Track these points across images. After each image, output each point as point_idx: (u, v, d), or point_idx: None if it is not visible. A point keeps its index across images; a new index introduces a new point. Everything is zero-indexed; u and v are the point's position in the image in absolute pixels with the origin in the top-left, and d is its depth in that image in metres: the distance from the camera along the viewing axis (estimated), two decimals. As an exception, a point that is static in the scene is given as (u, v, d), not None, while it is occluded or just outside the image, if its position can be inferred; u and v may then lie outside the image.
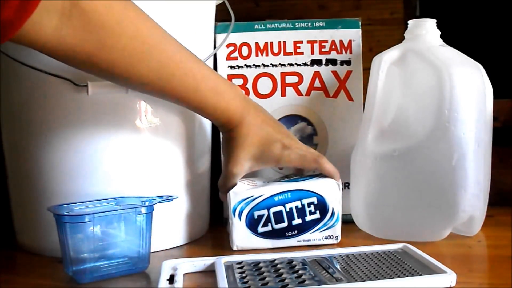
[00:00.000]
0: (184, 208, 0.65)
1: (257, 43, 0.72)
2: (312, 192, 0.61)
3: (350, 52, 0.72)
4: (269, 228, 0.61)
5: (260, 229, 0.61)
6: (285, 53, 0.72)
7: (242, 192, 0.60)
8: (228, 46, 0.71)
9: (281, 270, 0.50)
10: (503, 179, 0.79)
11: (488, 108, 0.62)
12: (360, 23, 0.72)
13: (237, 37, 0.72)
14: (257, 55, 0.72)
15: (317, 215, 0.61)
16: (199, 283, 0.51)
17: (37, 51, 0.48)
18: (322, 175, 0.63)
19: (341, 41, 0.72)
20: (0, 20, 0.41)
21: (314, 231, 0.61)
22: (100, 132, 0.59)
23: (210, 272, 0.52)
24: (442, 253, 0.58)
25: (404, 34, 0.67)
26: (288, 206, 0.61)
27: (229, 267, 0.51)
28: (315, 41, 0.72)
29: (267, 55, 0.72)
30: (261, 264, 0.52)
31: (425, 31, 0.64)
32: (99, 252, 0.53)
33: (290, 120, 0.72)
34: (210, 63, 0.68)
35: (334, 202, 0.61)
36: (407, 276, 0.47)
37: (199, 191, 0.67)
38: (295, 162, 0.62)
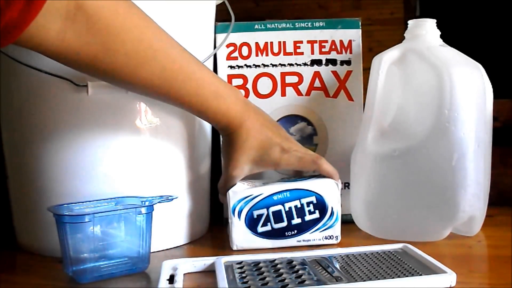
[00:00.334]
0: (184, 208, 0.65)
1: (257, 43, 0.72)
2: (311, 191, 0.61)
3: (350, 52, 0.72)
4: (268, 227, 0.61)
5: (260, 229, 0.61)
6: (285, 53, 0.72)
7: (241, 191, 0.60)
8: (228, 46, 0.71)
9: (281, 270, 0.50)
10: (503, 179, 0.79)
11: (488, 108, 0.62)
12: (360, 23, 0.72)
13: (237, 37, 0.72)
14: (257, 55, 0.72)
15: (317, 215, 0.61)
16: (199, 283, 0.51)
17: (40, 53, 0.48)
18: (321, 175, 0.63)
19: (341, 41, 0.72)
20: (3, 22, 0.41)
21: (314, 231, 0.61)
22: (100, 132, 0.59)
23: (210, 272, 0.52)
24: (442, 253, 0.58)
25: (404, 34, 0.67)
26: (287, 205, 0.61)
27: (229, 267, 0.51)
28: (315, 41, 0.72)
29: (267, 55, 0.72)
30: (261, 264, 0.52)
31: (425, 31, 0.64)
32: (99, 252, 0.53)
33: (290, 120, 0.72)
34: (210, 63, 0.68)
35: (333, 201, 0.61)
36: (407, 276, 0.47)
37: (199, 191, 0.67)
38: (294, 165, 0.62)
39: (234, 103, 0.60)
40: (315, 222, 0.61)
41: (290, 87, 0.72)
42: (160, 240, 0.61)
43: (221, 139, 0.64)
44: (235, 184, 0.62)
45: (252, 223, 0.60)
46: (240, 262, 0.52)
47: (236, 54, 0.72)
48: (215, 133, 0.72)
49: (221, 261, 0.52)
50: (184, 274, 0.51)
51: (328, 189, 0.61)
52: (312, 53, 0.72)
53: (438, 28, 0.65)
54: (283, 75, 0.72)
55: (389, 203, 0.63)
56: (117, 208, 0.56)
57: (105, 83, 0.57)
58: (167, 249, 0.63)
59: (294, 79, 0.72)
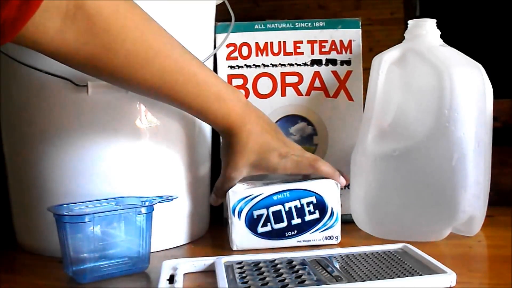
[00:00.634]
0: (184, 208, 0.65)
1: (257, 43, 0.72)
2: (311, 191, 0.61)
3: (350, 52, 0.72)
4: (268, 228, 0.61)
5: (260, 229, 0.61)
6: (285, 53, 0.72)
7: (241, 191, 0.60)
8: (228, 46, 0.71)
9: (281, 270, 0.50)
10: (503, 179, 0.79)
11: (488, 108, 0.62)
12: (360, 23, 0.72)
13: (237, 37, 0.72)
14: (257, 55, 0.72)
15: (317, 215, 0.61)
16: (199, 283, 0.51)
17: (39, 52, 0.48)
18: (321, 176, 0.63)
19: (341, 41, 0.72)
20: (1, 19, 0.41)
21: (314, 231, 0.61)
22: (100, 132, 0.59)
23: (210, 272, 0.52)
24: (442, 253, 0.58)
25: (404, 34, 0.67)
26: (287, 205, 0.61)
27: (229, 267, 0.51)
28: (315, 41, 0.72)
29: (267, 55, 0.72)
30: (261, 264, 0.52)
31: (425, 31, 0.64)
32: (99, 252, 0.53)
33: (290, 120, 0.72)
34: (210, 63, 0.68)
35: (333, 202, 0.61)
36: (407, 276, 0.47)
37: (199, 191, 0.67)
38: (291, 170, 0.62)
39: (236, 105, 0.60)
40: (315, 222, 0.61)
41: (290, 87, 0.72)
42: (160, 240, 0.61)
43: (221, 140, 0.64)
44: (233, 185, 0.62)
45: (252, 223, 0.60)
46: (240, 262, 0.52)
47: (236, 54, 0.72)
48: (215, 133, 0.72)
49: (221, 261, 0.52)
50: (184, 274, 0.51)
51: (328, 189, 0.61)
52: (312, 53, 0.72)
53: (438, 28, 0.65)
54: (283, 75, 0.72)
55: (389, 203, 0.63)
56: (117, 208, 0.56)
57: (105, 83, 0.57)
58: (167, 249, 0.63)
59: (294, 79, 0.72)
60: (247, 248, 0.60)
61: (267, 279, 0.48)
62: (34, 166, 0.61)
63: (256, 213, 0.60)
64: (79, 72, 0.53)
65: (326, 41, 0.72)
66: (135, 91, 0.56)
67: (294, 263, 0.52)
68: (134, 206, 0.55)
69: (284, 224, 0.61)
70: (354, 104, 0.72)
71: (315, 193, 0.61)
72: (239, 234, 0.60)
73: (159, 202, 0.56)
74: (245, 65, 0.72)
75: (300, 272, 0.49)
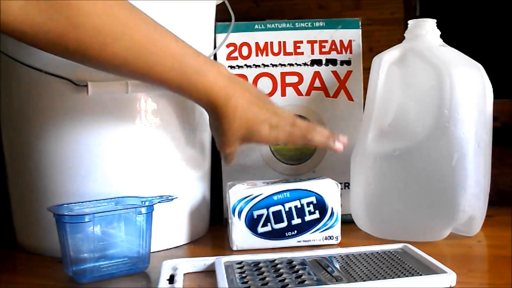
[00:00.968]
0: (184, 208, 0.65)
1: (257, 43, 0.72)
2: (311, 191, 0.61)
3: (350, 52, 0.72)
4: (268, 228, 0.61)
5: (260, 229, 0.61)
6: (285, 53, 0.72)
7: (241, 191, 0.60)
8: (228, 46, 0.71)
9: (281, 270, 0.50)
10: (503, 179, 0.79)
11: (488, 108, 0.62)
12: (360, 23, 0.72)
13: (237, 37, 0.72)
14: (257, 55, 0.72)
15: (317, 215, 0.61)
16: (199, 283, 0.51)
17: (8, 35, 0.47)
18: (322, 176, 0.63)
19: (341, 41, 0.72)
20: None
21: (314, 231, 0.61)
22: (100, 132, 0.59)
23: (210, 272, 0.52)
24: (442, 253, 0.58)
25: (404, 34, 0.67)
26: (287, 205, 0.61)
27: (229, 267, 0.51)
28: (315, 41, 0.72)
29: (267, 55, 0.72)
30: (261, 264, 0.52)
31: (425, 31, 0.64)
32: (99, 252, 0.53)
33: (290, 120, 0.72)
34: (210, 63, 0.68)
35: (333, 202, 0.61)
36: (407, 276, 0.47)
37: (199, 191, 0.67)
38: (283, 141, 0.60)
39: (217, 78, 0.56)
40: (315, 222, 0.61)
41: (290, 87, 0.72)
42: (160, 240, 0.61)
43: (208, 117, 0.60)
44: (234, 153, 0.61)
45: (252, 224, 0.60)
46: (240, 262, 0.52)
47: (236, 54, 0.72)
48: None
49: (221, 261, 0.52)
50: (184, 274, 0.51)
51: (328, 189, 0.61)
52: (312, 53, 0.72)
53: (438, 28, 0.65)
54: (283, 75, 0.72)
55: (389, 203, 0.63)
56: (117, 208, 0.56)
57: (105, 83, 0.57)
58: (167, 249, 0.63)
59: (294, 79, 0.72)
60: (247, 248, 0.60)
61: (267, 279, 0.48)
62: (34, 166, 0.61)
63: (256, 213, 0.60)
64: (79, 72, 0.53)
65: (326, 41, 0.72)
66: (109, 69, 0.54)
67: (294, 263, 0.52)
68: (134, 206, 0.55)
69: (284, 224, 0.61)
70: (354, 104, 0.72)
71: (315, 193, 0.61)
72: (239, 234, 0.60)
73: (159, 202, 0.56)
74: (245, 65, 0.72)
75: (300, 272, 0.49)
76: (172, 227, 0.64)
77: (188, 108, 0.65)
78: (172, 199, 0.57)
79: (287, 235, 0.61)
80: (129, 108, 0.60)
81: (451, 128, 0.59)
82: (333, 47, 0.72)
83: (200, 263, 0.53)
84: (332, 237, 0.62)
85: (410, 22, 0.66)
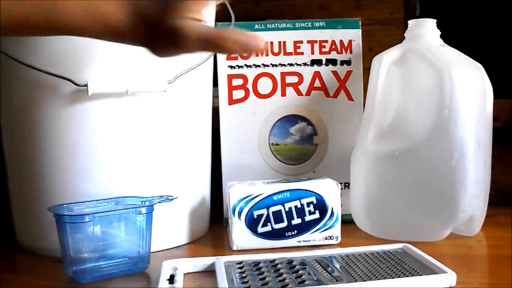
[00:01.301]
0: (184, 208, 0.65)
1: (257, 43, 0.72)
2: (311, 191, 0.61)
3: (350, 52, 0.72)
4: (268, 228, 0.61)
5: (260, 229, 0.61)
6: (285, 53, 0.72)
7: (241, 191, 0.60)
8: (228, 46, 0.71)
9: (281, 270, 0.50)
10: (503, 179, 0.79)
11: (488, 108, 0.62)
12: (360, 23, 0.72)
13: (237, 37, 0.71)
14: (257, 55, 0.72)
15: (317, 215, 0.61)
16: (199, 283, 0.51)
17: None
18: (322, 176, 0.63)
19: (341, 41, 0.72)
20: None
21: (314, 232, 0.61)
22: (100, 132, 0.59)
23: (210, 272, 0.52)
24: (442, 253, 0.58)
25: (404, 34, 0.67)
26: (287, 205, 0.61)
27: (229, 267, 0.51)
28: (315, 41, 0.72)
29: (267, 55, 0.72)
30: (261, 264, 0.52)
31: (425, 31, 0.64)
32: (99, 252, 0.53)
33: (290, 120, 0.72)
34: (210, 63, 0.68)
35: (333, 202, 0.61)
36: (407, 276, 0.47)
37: (199, 191, 0.67)
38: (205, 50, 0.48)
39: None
40: (315, 222, 0.61)
41: (290, 87, 0.72)
42: (160, 240, 0.61)
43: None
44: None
45: (252, 223, 0.60)
46: (240, 262, 0.52)
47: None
48: (215, 132, 0.72)
49: (221, 261, 0.52)
50: (184, 274, 0.51)
51: (328, 189, 0.61)
52: (312, 53, 0.72)
53: (438, 28, 0.65)
54: (283, 75, 0.72)
55: (389, 203, 0.63)
56: (117, 208, 0.56)
57: (105, 83, 0.57)
58: (167, 249, 0.63)
59: (294, 79, 0.72)
60: (247, 248, 0.60)
61: (267, 279, 0.48)
62: (34, 166, 0.61)
63: (256, 213, 0.60)
64: (79, 72, 0.53)
65: (326, 41, 0.72)
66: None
67: (294, 263, 0.52)
68: (134, 206, 0.55)
69: (284, 224, 0.61)
70: (354, 104, 0.72)
71: (315, 193, 0.61)
72: (239, 234, 0.60)
73: (159, 202, 0.56)
74: (245, 65, 0.72)
75: (300, 272, 0.49)
76: (172, 227, 0.64)
77: (188, 108, 0.65)
78: (172, 199, 0.57)
79: (287, 235, 0.61)
80: (129, 108, 0.60)
81: (451, 128, 0.59)
82: (333, 47, 0.72)
83: (200, 263, 0.53)
84: (332, 237, 0.62)
85: (410, 22, 0.66)
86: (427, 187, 0.61)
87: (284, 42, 0.72)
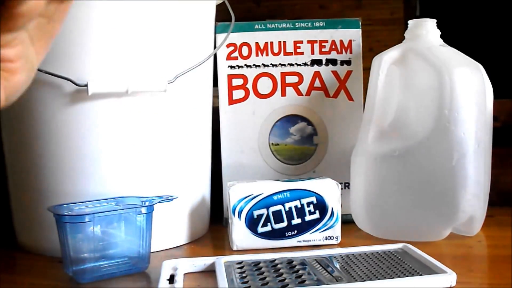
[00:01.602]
0: (184, 208, 0.65)
1: (257, 43, 0.72)
2: (311, 191, 0.61)
3: (350, 52, 0.72)
4: (268, 228, 0.61)
5: (260, 229, 0.61)
6: (285, 53, 0.72)
7: (241, 191, 0.60)
8: (228, 46, 0.71)
9: (281, 270, 0.50)
10: (503, 179, 0.79)
11: (488, 108, 0.62)
12: (360, 23, 0.72)
13: (237, 37, 0.72)
14: (257, 55, 0.72)
15: (317, 215, 0.61)
16: (199, 283, 0.51)
17: None
18: (322, 176, 0.63)
19: (341, 41, 0.72)
20: None
21: (314, 231, 0.61)
22: (100, 132, 0.59)
23: (210, 272, 0.52)
24: (442, 253, 0.58)
25: (404, 34, 0.67)
26: (287, 205, 0.61)
27: (229, 267, 0.51)
28: (315, 41, 0.72)
29: (267, 55, 0.72)
30: (261, 264, 0.52)
31: (425, 31, 0.64)
32: (99, 252, 0.53)
33: (290, 120, 0.72)
34: (210, 63, 0.68)
35: (334, 202, 0.62)
36: (407, 276, 0.47)
37: (199, 191, 0.67)
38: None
39: None
40: (315, 222, 0.61)
41: (290, 87, 0.72)
42: (160, 240, 0.61)
43: None
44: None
45: (252, 223, 0.60)
46: (240, 262, 0.52)
47: (236, 54, 0.72)
48: (215, 133, 0.72)
49: (221, 261, 0.52)
50: (184, 274, 0.51)
51: (328, 189, 0.61)
52: (312, 53, 0.72)
53: (438, 28, 0.65)
54: (283, 75, 0.72)
55: (389, 203, 0.63)
56: (117, 208, 0.56)
57: (105, 83, 0.57)
58: (167, 249, 0.63)
59: (294, 79, 0.72)
60: (247, 248, 0.60)
61: (267, 279, 0.48)
62: (34, 166, 0.61)
63: (256, 213, 0.60)
64: (79, 72, 0.53)
65: (326, 41, 0.72)
66: None
67: (294, 263, 0.52)
68: (134, 206, 0.55)
69: (284, 224, 0.61)
70: (354, 104, 0.72)
71: (315, 193, 0.61)
72: (239, 234, 0.60)
73: (159, 202, 0.56)
74: (245, 65, 0.72)
75: (300, 272, 0.49)
76: (172, 227, 0.64)
77: (188, 108, 0.65)
78: (172, 199, 0.57)
79: (287, 235, 0.61)
80: (129, 108, 0.60)
81: (451, 128, 0.59)
82: (333, 47, 0.72)
83: (200, 263, 0.53)
84: (332, 237, 0.62)
85: (410, 22, 0.66)
86: (427, 187, 0.61)
87: (284, 42, 0.72)
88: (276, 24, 0.72)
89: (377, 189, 0.63)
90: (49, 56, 0.57)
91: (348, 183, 0.70)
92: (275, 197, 0.61)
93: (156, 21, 0.60)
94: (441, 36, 0.65)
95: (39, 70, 0.57)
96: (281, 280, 0.47)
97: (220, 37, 0.71)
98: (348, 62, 0.72)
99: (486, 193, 0.63)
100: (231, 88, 0.72)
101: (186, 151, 0.65)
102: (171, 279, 0.49)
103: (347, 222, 0.67)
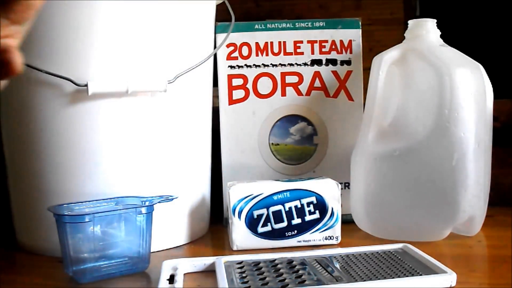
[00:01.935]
0: (184, 208, 0.65)
1: (257, 43, 0.72)
2: (311, 191, 0.61)
3: (350, 52, 0.72)
4: (268, 228, 0.61)
5: (260, 229, 0.61)
6: (285, 53, 0.72)
7: (241, 191, 0.60)
8: (228, 46, 0.71)
9: (281, 270, 0.50)
10: (503, 179, 0.79)
11: (488, 108, 0.62)
12: (360, 23, 0.72)
13: (237, 37, 0.72)
14: (257, 55, 0.72)
15: (317, 215, 0.61)
16: (199, 283, 0.51)
17: None
18: (322, 176, 0.63)
19: (341, 41, 0.72)
20: None
21: (314, 231, 0.61)
22: (100, 132, 0.59)
23: (210, 272, 0.52)
24: (442, 253, 0.58)
25: (404, 34, 0.67)
26: (287, 205, 0.61)
27: (229, 267, 0.51)
28: (315, 41, 0.72)
29: (267, 55, 0.72)
30: (261, 264, 0.52)
31: (425, 31, 0.64)
32: (99, 252, 0.53)
33: (290, 120, 0.72)
34: (210, 63, 0.68)
35: (333, 202, 0.62)
36: (407, 276, 0.47)
37: (199, 191, 0.67)
38: None
39: None
40: (315, 222, 0.61)
41: (290, 87, 0.72)
42: (160, 240, 0.61)
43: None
44: None
45: (252, 223, 0.60)
46: (240, 262, 0.52)
47: (236, 54, 0.72)
48: (215, 133, 0.72)
49: (221, 261, 0.52)
50: (184, 274, 0.51)
51: (328, 189, 0.61)
52: (312, 53, 0.72)
53: (438, 28, 0.65)
54: (283, 75, 0.72)
55: (389, 203, 0.63)
56: (117, 208, 0.56)
57: (105, 83, 0.57)
58: (167, 249, 0.63)
59: (294, 79, 0.72)
60: (247, 248, 0.60)
61: (267, 279, 0.48)
62: (34, 166, 0.61)
63: (256, 213, 0.60)
64: (79, 72, 0.53)
65: (326, 41, 0.72)
66: None
67: (294, 263, 0.52)
68: (134, 206, 0.55)
69: (284, 224, 0.61)
70: (354, 104, 0.72)
71: (315, 193, 0.61)
72: (239, 234, 0.60)
73: (159, 202, 0.56)
74: (245, 65, 0.72)
75: (300, 272, 0.49)
76: (172, 227, 0.64)
77: (188, 108, 0.65)
78: (172, 199, 0.57)
79: (287, 235, 0.61)
80: (129, 108, 0.60)
81: (451, 128, 0.59)
82: (333, 47, 0.72)
83: (200, 263, 0.53)
84: (332, 237, 0.62)
85: (410, 22, 0.66)
86: (427, 187, 0.61)
87: (284, 42, 0.72)
88: (276, 24, 0.72)
89: (377, 189, 0.63)
90: (49, 56, 0.57)
91: (348, 183, 0.70)
92: (275, 197, 0.61)
93: (156, 21, 0.60)
94: (441, 36, 0.65)
95: (39, 70, 0.57)
96: (281, 280, 0.47)
97: (220, 37, 0.71)
98: (348, 62, 0.72)
99: (486, 193, 0.63)
100: (231, 88, 0.72)
101: (186, 151, 0.65)
102: (171, 279, 0.49)
103: (347, 222, 0.67)
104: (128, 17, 0.58)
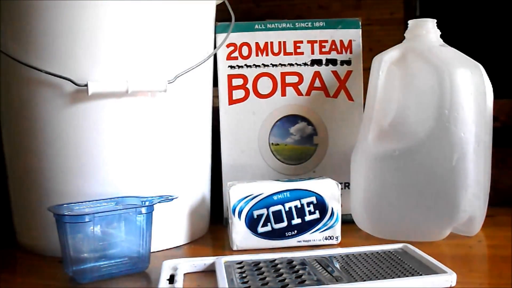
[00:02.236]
0: (184, 208, 0.65)
1: (257, 43, 0.72)
2: (311, 191, 0.61)
3: (350, 52, 0.72)
4: (268, 228, 0.61)
5: (260, 229, 0.61)
6: (285, 53, 0.72)
7: (241, 191, 0.60)
8: (228, 46, 0.71)
9: (281, 270, 0.50)
10: (503, 179, 0.79)
11: (488, 108, 0.62)
12: (360, 23, 0.72)
13: (237, 37, 0.72)
14: (257, 55, 0.72)
15: (317, 215, 0.61)
16: (199, 283, 0.51)
17: None
18: (322, 176, 0.63)
19: (341, 41, 0.72)
20: None
21: (314, 232, 0.61)
22: (100, 132, 0.59)
23: (210, 272, 0.52)
24: (442, 253, 0.58)
25: (404, 34, 0.67)
26: (287, 205, 0.61)
27: (229, 267, 0.51)
28: (315, 41, 0.72)
29: (267, 55, 0.72)
30: (261, 264, 0.52)
31: (425, 31, 0.64)
32: (99, 252, 0.53)
33: (290, 120, 0.72)
34: (210, 63, 0.68)
35: (333, 202, 0.62)
36: (407, 276, 0.47)
37: (199, 191, 0.67)
38: None
39: None
40: (315, 222, 0.61)
41: (290, 87, 0.72)
42: (160, 240, 0.61)
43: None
44: None
45: (252, 223, 0.60)
46: (240, 262, 0.52)
47: (236, 54, 0.72)
48: (215, 133, 0.72)
49: (221, 261, 0.52)
50: (184, 274, 0.51)
51: (328, 189, 0.61)
52: (312, 53, 0.72)
53: (438, 28, 0.65)
54: (283, 75, 0.72)
55: (389, 203, 0.63)
56: (117, 208, 0.56)
57: (105, 83, 0.57)
58: (167, 249, 0.63)
59: (294, 79, 0.72)
60: (247, 248, 0.60)
61: (267, 279, 0.48)
62: (34, 166, 0.61)
63: (256, 213, 0.60)
64: (79, 72, 0.53)
65: (326, 41, 0.72)
66: None
67: (294, 263, 0.52)
68: (134, 206, 0.55)
69: (284, 224, 0.61)
70: (354, 104, 0.72)
71: (315, 193, 0.61)
72: (239, 234, 0.60)
73: (159, 202, 0.56)
74: (245, 65, 0.72)
75: (300, 272, 0.49)
76: (172, 227, 0.64)
77: (188, 108, 0.65)
78: (172, 199, 0.57)
79: (287, 235, 0.61)
80: (129, 108, 0.60)
81: (451, 128, 0.59)
82: (333, 47, 0.72)
83: (200, 263, 0.54)
84: (332, 237, 0.62)
85: (410, 22, 0.66)
86: (427, 187, 0.61)
87: (284, 42, 0.72)
88: (276, 24, 0.72)
89: (377, 189, 0.63)
90: (49, 56, 0.57)
91: (348, 183, 0.70)
92: (275, 197, 0.61)
93: (156, 21, 0.60)
94: (441, 36, 0.65)
95: (39, 70, 0.57)
96: (281, 280, 0.47)
97: (220, 37, 0.71)
98: (348, 62, 0.72)
99: (486, 193, 0.63)
100: (231, 88, 0.72)
101: (186, 151, 0.65)
102: (171, 279, 0.49)
103: (347, 222, 0.66)
104: (128, 17, 0.58)
